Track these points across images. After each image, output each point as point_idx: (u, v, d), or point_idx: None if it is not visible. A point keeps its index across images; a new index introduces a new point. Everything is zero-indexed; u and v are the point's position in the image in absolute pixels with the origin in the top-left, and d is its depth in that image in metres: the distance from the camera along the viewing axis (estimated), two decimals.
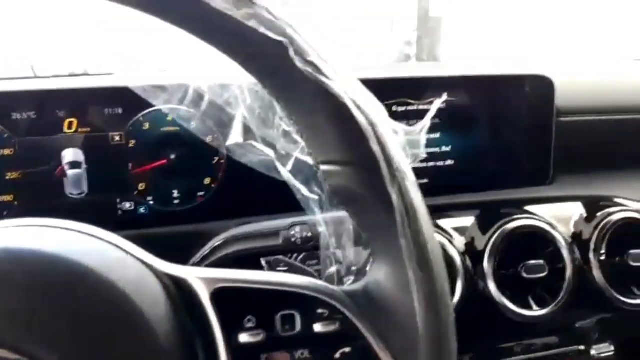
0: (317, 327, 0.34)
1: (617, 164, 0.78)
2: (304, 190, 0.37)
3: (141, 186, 0.62)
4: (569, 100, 0.75)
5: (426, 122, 0.39)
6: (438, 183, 0.70)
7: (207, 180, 0.62)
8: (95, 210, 0.60)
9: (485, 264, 0.64)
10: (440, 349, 0.33)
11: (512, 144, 0.73)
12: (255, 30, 0.31)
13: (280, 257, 0.47)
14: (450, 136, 0.70)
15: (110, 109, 0.59)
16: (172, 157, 0.61)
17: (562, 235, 0.67)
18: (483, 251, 0.65)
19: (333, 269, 0.41)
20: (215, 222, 0.63)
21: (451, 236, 0.66)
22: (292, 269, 0.46)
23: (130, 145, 0.60)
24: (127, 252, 0.34)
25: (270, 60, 0.32)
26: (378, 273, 0.35)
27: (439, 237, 0.63)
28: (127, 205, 0.62)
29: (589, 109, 0.76)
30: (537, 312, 0.64)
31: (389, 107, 0.67)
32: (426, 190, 0.71)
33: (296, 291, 0.34)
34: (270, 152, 0.37)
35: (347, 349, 0.33)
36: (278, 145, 0.37)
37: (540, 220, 0.67)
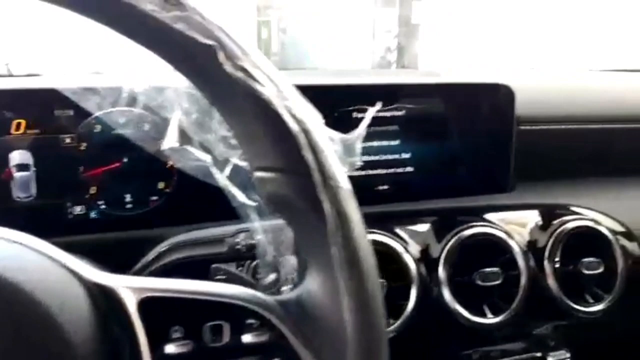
0: (246, 338, 0.33)
1: (576, 173, 0.79)
2: (240, 196, 0.37)
3: (92, 190, 0.60)
4: (529, 109, 0.76)
5: (361, 130, 0.39)
6: (397, 190, 0.71)
7: (160, 185, 0.61)
8: (44, 214, 0.59)
9: (440, 271, 0.64)
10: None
11: (472, 152, 0.73)
12: (183, 34, 0.30)
13: (220, 265, 0.46)
14: (410, 143, 0.70)
15: (61, 111, 0.58)
16: (125, 160, 0.60)
17: (517, 243, 0.67)
18: (438, 258, 0.65)
19: (270, 278, 0.40)
20: (169, 228, 0.62)
21: (407, 243, 0.66)
22: (230, 277, 0.45)
23: (82, 147, 0.59)
24: (51, 259, 0.33)
25: (200, 64, 0.32)
26: (312, 282, 0.35)
27: (394, 244, 0.63)
28: (78, 209, 0.61)
29: (549, 117, 0.77)
30: (491, 319, 0.65)
31: (348, 114, 0.67)
32: (385, 197, 0.72)
33: (225, 301, 0.33)
34: (206, 157, 0.36)
35: None
36: (216, 151, 0.36)
37: (495, 228, 0.67)
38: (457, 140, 0.72)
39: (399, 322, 0.61)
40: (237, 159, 0.36)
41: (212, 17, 0.32)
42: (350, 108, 0.67)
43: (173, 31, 0.31)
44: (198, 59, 0.31)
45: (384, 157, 0.70)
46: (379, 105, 0.42)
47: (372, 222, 0.68)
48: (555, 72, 0.92)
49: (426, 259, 0.65)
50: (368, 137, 0.68)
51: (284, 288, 0.39)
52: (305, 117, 0.33)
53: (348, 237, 0.33)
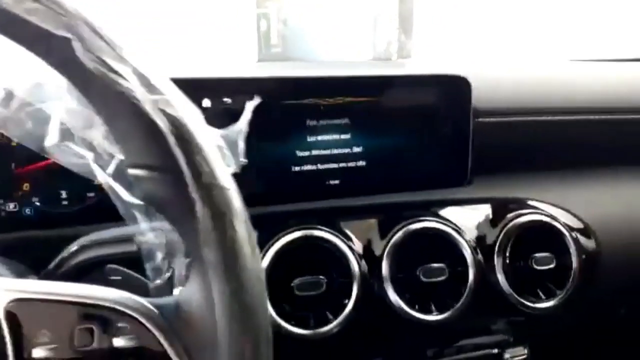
0: (118, 342, 0.32)
1: (535, 166, 0.77)
2: (125, 195, 0.36)
3: (25, 186, 0.60)
4: (487, 101, 0.74)
5: (242, 125, 0.38)
6: (349, 184, 0.69)
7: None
8: None
9: (383, 267, 0.63)
10: None
11: (427, 145, 0.71)
12: (38, 26, 0.29)
13: (115, 265, 0.45)
14: (363, 137, 0.68)
15: None
16: None
17: (466, 237, 0.65)
18: (381, 255, 0.63)
19: (161, 280, 0.39)
20: (107, 224, 0.61)
21: (350, 239, 0.65)
22: (125, 278, 0.44)
23: (13, 143, 0.58)
24: None
25: (60, 57, 0.30)
26: (191, 285, 0.34)
27: (335, 240, 0.62)
28: (11, 206, 0.60)
29: (507, 110, 0.75)
30: (436, 316, 0.63)
31: (297, 106, 0.65)
32: (336, 192, 0.70)
33: (95, 303, 0.32)
34: (88, 154, 0.35)
35: None
36: (98, 147, 0.35)
37: (441, 223, 0.65)
38: (412, 133, 0.70)
39: (338, 319, 0.60)
40: (121, 155, 0.35)
41: (74, 9, 0.31)
42: (298, 101, 0.66)
43: (29, 24, 0.29)
44: (56, 52, 0.30)
45: (334, 151, 0.68)
46: (257, 100, 0.41)
47: (320, 217, 0.66)
48: (515, 62, 0.90)
49: (368, 256, 0.64)
50: (319, 130, 0.67)
51: (175, 291, 0.38)
52: (177, 112, 0.32)
53: (222, 239, 0.32)
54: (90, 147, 0.35)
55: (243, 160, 0.37)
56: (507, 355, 0.72)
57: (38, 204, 0.60)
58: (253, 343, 0.32)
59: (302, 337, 0.59)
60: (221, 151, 0.34)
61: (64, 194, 0.61)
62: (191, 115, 0.32)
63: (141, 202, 0.36)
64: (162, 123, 0.31)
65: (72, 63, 0.30)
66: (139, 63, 0.31)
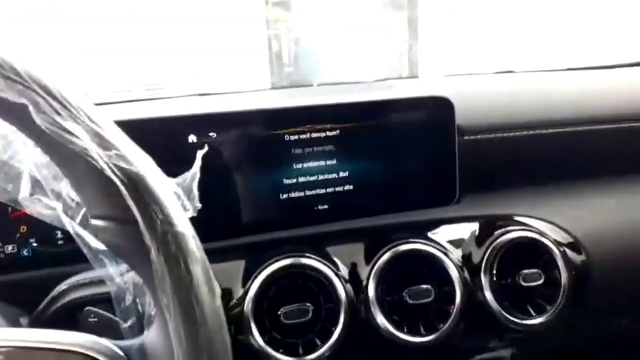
0: None
1: (523, 181, 0.77)
2: (92, 242, 0.38)
3: (22, 229, 0.63)
4: (471, 119, 0.75)
5: (195, 170, 0.40)
6: (338, 208, 0.70)
7: None
8: None
9: (370, 290, 0.64)
10: None
11: (415, 165, 0.72)
12: None
13: (92, 308, 0.47)
14: (348, 162, 0.70)
15: None
16: None
17: (451, 257, 0.66)
18: (367, 278, 0.64)
19: (130, 322, 0.41)
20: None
21: (336, 264, 0.66)
22: (100, 320, 0.46)
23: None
24: None
25: (19, 122, 0.33)
26: (156, 326, 0.35)
27: (321, 266, 0.63)
28: (10, 248, 0.63)
29: (492, 126, 0.76)
30: (425, 337, 0.64)
31: (281, 136, 0.67)
32: (325, 216, 0.71)
33: (65, 349, 0.34)
34: (57, 205, 0.38)
35: None
36: (66, 198, 0.38)
37: (426, 244, 0.66)
38: (399, 155, 0.72)
39: (326, 345, 0.61)
40: None
41: (30, 74, 0.33)
42: (283, 131, 0.68)
43: None
44: (15, 117, 0.33)
45: (321, 177, 0.70)
46: (206, 149, 0.43)
47: (305, 243, 0.68)
48: (500, 77, 0.90)
49: (354, 280, 0.65)
50: (305, 158, 0.69)
51: (145, 332, 0.39)
52: (131, 165, 0.34)
53: (176, 282, 0.33)
54: (59, 197, 0.38)
55: (198, 205, 0.39)
56: None
57: (35, 244, 0.63)
58: None
59: None
60: (178, 198, 0.36)
61: (59, 234, 0.63)
62: (145, 166, 0.34)
63: (106, 249, 0.38)
64: (116, 177, 0.33)
65: (30, 126, 0.32)
66: (92, 120, 0.34)
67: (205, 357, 0.33)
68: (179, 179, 0.39)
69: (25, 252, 0.63)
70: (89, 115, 0.34)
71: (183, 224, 0.35)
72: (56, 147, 0.33)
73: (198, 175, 0.39)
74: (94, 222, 0.35)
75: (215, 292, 0.35)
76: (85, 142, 0.33)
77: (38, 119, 0.32)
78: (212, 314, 0.34)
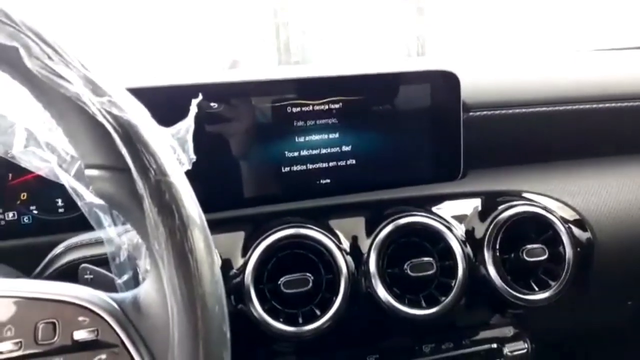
0: (78, 335, 0.34)
1: (529, 158, 0.76)
2: (87, 195, 0.38)
3: (23, 196, 0.63)
4: (477, 95, 0.74)
5: (189, 122, 0.39)
6: (341, 183, 0.70)
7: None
8: None
9: (371, 262, 0.63)
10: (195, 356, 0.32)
11: (420, 140, 0.71)
12: None
13: (88, 265, 0.47)
14: (352, 135, 0.69)
15: None
16: None
17: (453, 231, 0.65)
18: (368, 250, 0.64)
19: (125, 278, 0.41)
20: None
21: (338, 236, 0.65)
22: (96, 276, 0.46)
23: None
24: None
25: (10, 65, 0.32)
26: (150, 278, 0.35)
27: (322, 237, 0.62)
28: (10, 215, 0.63)
29: (497, 102, 0.75)
30: (426, 310, 0.63)
31: (284, 108, 0.66)
32: (327, 190, 0.71)
33: (56, 299, 0.34)
34: (52, 158, 0.37)
35: (103, 356, 0.33)
36: (60, 150, 0.37)
37: (428, 217, 0.65)
38: (404, 129, 0.71)
39: (326, 316, 0.60)
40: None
41: (21, 18, 0.32)
42: (286, 103, 0.67)
43: None
44: (5, 60, 0.32)
45: (324, 151, 0.69)
46: (200, 97, 0.42)
47: (307, 216, 0.67)
48: (507, 55, 0.89)
49: (355, 252, 0.64)
50: (307, 131, 0.68)
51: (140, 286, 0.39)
52: (123, 112, 0.33)
53: (171, 233, 0.33)
54: (54, 150, 0.37)
55: (192, 156, 0.38)
56: (506, 350, 0.71)
57: (36, 212, 0.63)
58: (205, 338, 0.32)
59: (290, 334, 0.59)
60: (172, 149, 0.36)
61: (59, 202, 0.63)
62: (138, 115, 0.34)
63: (102, 202, 0.38)
64: (108, 124, 0.32)
65: (21, 70, 0.32)
66: (85, 67, 0.33)
67: (199, 309, 0.32)
68: (173, 129, 0.38)
69: (25, 220, 0.63)
70: (81, 62, 0.33)
71: (177, 175, 0.34)
72: (48, 92, 0.32)
73: (192, 126, 0.39)
74: (87, 171, 0.34)
75: (209, 242, 0.34)
76: (77, 87, 0.32)
77: (29, 63, 0.31)
78: (208, 268, 0.34)
